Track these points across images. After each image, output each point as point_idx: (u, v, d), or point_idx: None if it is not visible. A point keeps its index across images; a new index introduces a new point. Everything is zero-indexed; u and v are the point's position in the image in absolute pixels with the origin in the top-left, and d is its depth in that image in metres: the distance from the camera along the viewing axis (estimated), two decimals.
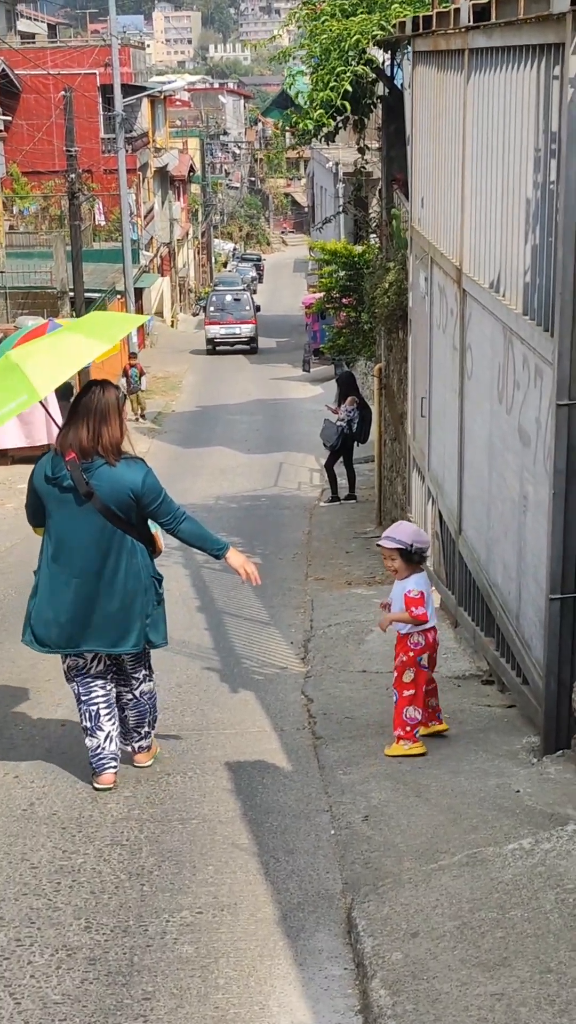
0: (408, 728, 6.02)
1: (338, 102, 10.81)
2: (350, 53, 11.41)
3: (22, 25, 46.12)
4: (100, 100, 41.58)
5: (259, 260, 77.66)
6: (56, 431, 5.84)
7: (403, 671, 6.05)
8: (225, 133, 79.82)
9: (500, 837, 4.81)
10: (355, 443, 17.12)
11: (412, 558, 5.99)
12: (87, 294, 30.19)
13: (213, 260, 71.66)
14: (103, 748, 5.81)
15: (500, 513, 6.84)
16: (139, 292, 37.68)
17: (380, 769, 5.96)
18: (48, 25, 53.07)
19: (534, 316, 5.93)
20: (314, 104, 10.78)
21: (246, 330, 41.42)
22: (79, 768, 6.21)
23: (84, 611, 5.58)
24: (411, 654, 6.01)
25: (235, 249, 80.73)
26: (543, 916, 4.00)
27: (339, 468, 17.41)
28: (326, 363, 38.82)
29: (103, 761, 5.82)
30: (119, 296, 34.45)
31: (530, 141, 5.90)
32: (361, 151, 14.10)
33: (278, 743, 6.67)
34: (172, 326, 51.38)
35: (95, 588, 5.56)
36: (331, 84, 10.70)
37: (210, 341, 41.55)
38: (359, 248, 18.80)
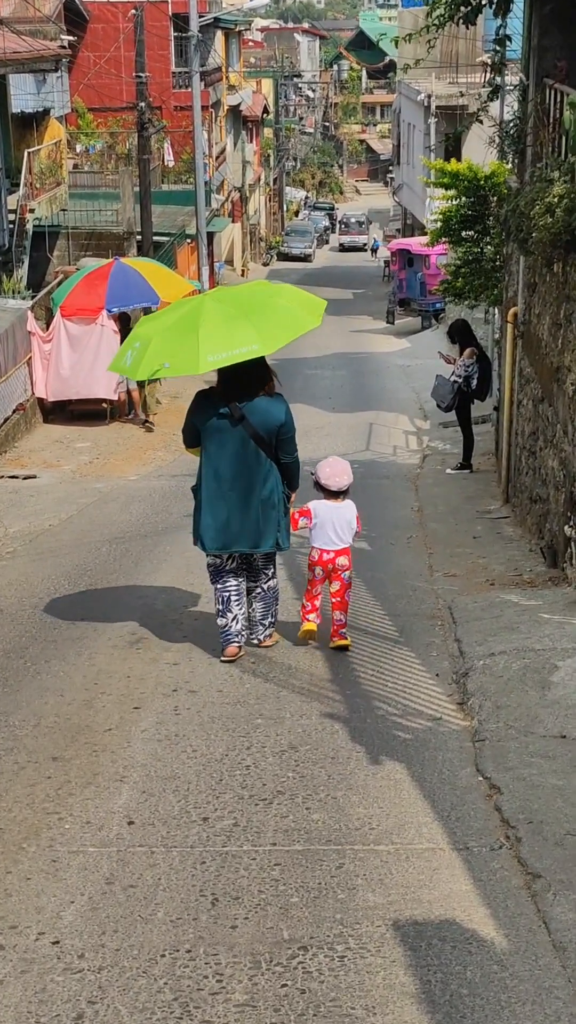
0: (301, 611, 7.17)
1: None
2: None
3: None
4: (171, 31, 38.72)
5: (332, 209, 74.71)
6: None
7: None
8: (299, 75, 76.47)
9: None
10: (473, 402, 14.51)
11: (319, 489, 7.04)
12: (155, 237, 27.69)
13: (285, 208, 68.83)
14: (230, 627, 6.79)
15: None
16: (210, 237, 35.04)
17: None
18: None
19: None
20: None
21: (360, 240, 64.26)
22: (163, 915, 3.85)
23: (233, 517, 6.62)
24: (309, 561, 7.12)
25: (307, 197, 77.70)
26: None
27: (455, 431, 14.78)
28: (411, 314, 36.21)
29: (229, 637, 6.80)
30: (189, 241, 31.88)
31: None
32: (501, 42, 11.42)
33: (468, 879, 4.22)
34: (243, 275, 48.77)
35: (242, 498, 6.60)
36: None
37: (341, 245, 65.37)
38: (488, 169, 15.88)
